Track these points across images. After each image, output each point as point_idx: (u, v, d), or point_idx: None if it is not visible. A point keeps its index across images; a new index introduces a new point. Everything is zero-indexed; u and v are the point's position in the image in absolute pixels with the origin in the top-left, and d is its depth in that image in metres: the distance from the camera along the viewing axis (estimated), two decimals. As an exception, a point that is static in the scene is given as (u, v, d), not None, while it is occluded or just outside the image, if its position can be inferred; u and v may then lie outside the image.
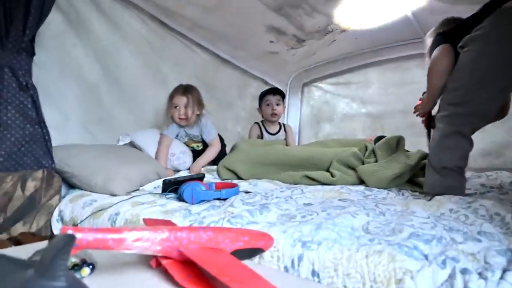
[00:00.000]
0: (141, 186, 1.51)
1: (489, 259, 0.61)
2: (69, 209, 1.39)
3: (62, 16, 1.64)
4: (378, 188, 1.48)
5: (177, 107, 1.94)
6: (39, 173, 1.41)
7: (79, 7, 1.71)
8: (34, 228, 1.38)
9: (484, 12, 1.22)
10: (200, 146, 2.08)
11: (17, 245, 1.18)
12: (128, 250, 0.61)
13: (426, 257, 0.64)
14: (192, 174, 1.62)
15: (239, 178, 1.74)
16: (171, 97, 1.96)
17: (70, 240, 0.40)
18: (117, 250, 0.61)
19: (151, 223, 0.83)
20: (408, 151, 1.76)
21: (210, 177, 1.78)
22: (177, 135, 2.03)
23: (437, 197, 1.18)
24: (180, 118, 1.95)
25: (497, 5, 1.18)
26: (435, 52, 1.36)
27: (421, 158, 1.62)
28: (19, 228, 1.34)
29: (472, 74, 1.19)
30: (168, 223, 0.88)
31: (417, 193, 1.42)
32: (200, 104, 2.00)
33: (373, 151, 1.67)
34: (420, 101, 1.58)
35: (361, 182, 1.59)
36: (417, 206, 1.05)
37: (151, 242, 0.63)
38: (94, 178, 1.45)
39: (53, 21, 1.57)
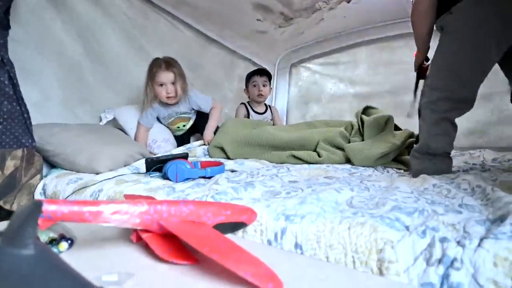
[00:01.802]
0: (125, 165, 1.49)
1: (468, 229, 0.62)
2: (53, 184, 1.37)
3: (39, -11, 1.57)
4: (364, 166, 1.49)
5: (163, 85, 1.77)
6: (19, 152, 1.37)
7: (57, -20, 1.64)
8: (15, 207, 1.35)
9: None
10: (186, 125, 2.00)
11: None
12: (105, 223, 0.60)
13: (407, 228, 0.65)
14: (179, 153, 1.57)
15: (228, 157, 1.74)
16: (154, 74, 1.76)
17: (37, 206, 0.38)
18: (94, 223, 0.59)
19: (132, 198, 0.82)
20: (399, 128, 1.77)
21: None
22: (158, 118, 1.92)
23: (421, 175, 1.19)
24: (168, 97, 1.79)
25: None
26: None
27: (408, 137, 1.63)
28: None
29: (453, 56, 1.17)
30: (149, 199, 0.87)
31: (402, 171, 1.44)
32: (184, 77, 1.84)
33: (359, 129, 1.67)
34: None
35: (348, 161, 1.60)
36: (402, 182, 1.06)
37: (129, 215, 0.61)
38: (78, 157, 1.42)
39: (30, -6, 1.50)
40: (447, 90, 1.18)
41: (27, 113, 1.44)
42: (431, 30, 1.31)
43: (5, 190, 1.32)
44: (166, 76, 1.76)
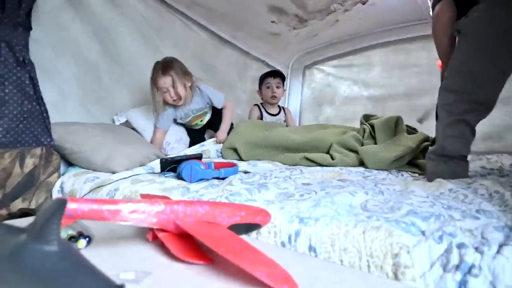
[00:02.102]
0: (140, 166, 1.51)
1: (486, 235, 0.61)
2: (70, 182, 1.40)
3: (59, -9, 1.61)
4: (378, 169, 1.48)
5: (165, 91, 1.78)
6: (38, 150, 1.40)
7: (77, -18, 1.68)
8: (33, 205, 1.39)
9: None
10: (203, 120, 1.99)
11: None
12: (123, 221, 0.61)
13: (423, 233, 0.64)
14: (193, 154, 1.57)
15: (240, 158, 1.74)
16: (154, 81, 1.77)
17: (61, 204, 0.39)
18: (113, 221, 0.61)
19: (149, 198, 0.83)
20: (414, 130, 1.74)
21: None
22: (175, 120, 1.94)
23: (437, 179, 1.17)
24: (174, 100, 1.80)
25: None
26: (436, 8, 1.30)
27: (423, 140, 1.61)
28: (18, 205, 1.34)
29: (469, 58, 1.15)
30: (165, 199, 0.88)
31: (416, 175, 1.42)
32: (187, 75, 1.83)
33: (371, 133, 1.66)
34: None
35: (362, 164, 1.59)
36: (417, 186, 1.05)
37: (147, 214, 0.62)
38: (95, 155, 1.45)
39: (51, -3, 1.54)
40: (463, 92, 1.16)
41: (46, 112, 1.47)
42: (453, 41, 1.29)
43: (24, 188, 1.36)
44: (164, 82, 1.76)
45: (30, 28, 1.41)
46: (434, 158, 1.23)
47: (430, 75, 2.39)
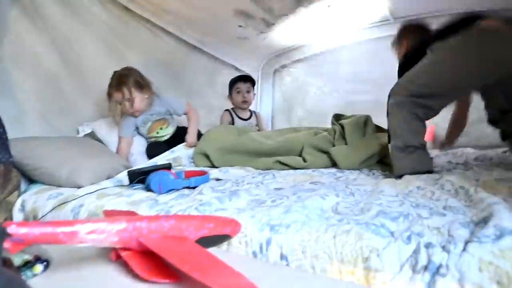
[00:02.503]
0: (108, 178, 1.45)
1: (452, 232, 0.61)
2: (32, 200, 1.32)
3: (14, 2, 1.53)
4: (350, 169, 1.49)
5: (121, 103, 1.76)
6: (-6, 169, 1.32)
7: (31, -10, 1.60)
8: (-8, 227, 1.30)
9: (458, 25, 1.33)
10: (164, 129, 1.92)
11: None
12: (81, 243, 0.58)
13: (392, 234, 0.64)
14: (162, 164, 1.53)
15: (213, 165, 1.71)
16: (110, 95, 1.76)
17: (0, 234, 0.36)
18: (70, 244, 0.57)
19: (112, 215, 0.79)
20: (382, 129, 1.78)
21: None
22: (137, 128, 1.89)
23: (406, 176, 1.20)
24: (131, 112, 1.79)
25: (471, 20, 1.29)
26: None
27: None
28: (-25, 228, 1.26)
29: (439, 75, 1.27)
30: (130, 214, 0.84)
31: (387, 172, 1.44)
32: (144, 87, 1.79)
33: (341, 134, 1.68)
34: None
35: (334, 164, 1.60)
36: (386, 185, 1.06)
37: (107, 233, 0.59)
38: (59, 170, 1.38)
39: (2, 6, 1.46)
40: (417, 96, 1.27)
41: (3, 127, 1.39)
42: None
43: (-19, 209, 1.27)
44: (118, 96, 1.75)
45: (-18, 41, 1.33)
46: (397, 153, 1.29)
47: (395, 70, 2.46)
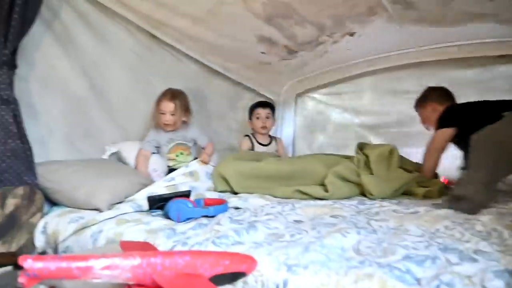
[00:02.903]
0: (126, 197, 1.45)
1: (485, 283, 0.57)
2: (54, 222, 1.34)
3: (46, 28, 1.60)
4: (382, 198, 1.48)
5: (164, 114, 1.89)
6: (20, 190, 1.35)
7: (64, 19, 1.67)
8: (14, 248, 1.32)
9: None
10: (185, 155, 1.98)
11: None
12: (95, 279, 0.57)
13: (418, 281, 0.60)
14: (181, 191, 1.47)
15: (232, 189, 1.70)
16: (158, 102, 1.91)
17: (13, 277, 0.35)
18: (84, 279, 0.56)
19: (128, 246, 0.78)
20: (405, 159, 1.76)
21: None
22: (158, 147, 1.96)
23: (433, 213, 1.14)
24: (165, 124, 1.91)
25: None
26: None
27: (417, 170, 1.63)
28: (-2, 248, 1.28)
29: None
30: (146, 246, 0.83)
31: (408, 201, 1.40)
32: (187, 110, 1.97)
33: (366, 163, 1.66)
34: None
35: (357, 194, 1.59)
36: (411, 222, 1.01)
37: (121, 269, 0.58)
38: (77, 192, 1.40)
39: (37, 33, 1.53)
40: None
41: (30, 150, 1.43)
42: None
43: (4, 230, 1.30)
44: (167, 106, 1.89)
45: (15, 67, 1.39)
46: (483, 189, 1.20)
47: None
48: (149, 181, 1.67)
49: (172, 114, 1.89)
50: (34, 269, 0.51)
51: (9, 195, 1.33)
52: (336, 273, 0.65)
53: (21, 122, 1.41)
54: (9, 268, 0.55)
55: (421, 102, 2.00)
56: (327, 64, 2.63)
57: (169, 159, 1.97)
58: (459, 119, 1.68)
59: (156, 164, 1.91)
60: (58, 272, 0.53)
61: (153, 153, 1.95)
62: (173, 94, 1.92)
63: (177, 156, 1.97)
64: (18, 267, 0.61)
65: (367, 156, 1.72)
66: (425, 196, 1.54)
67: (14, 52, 1.38)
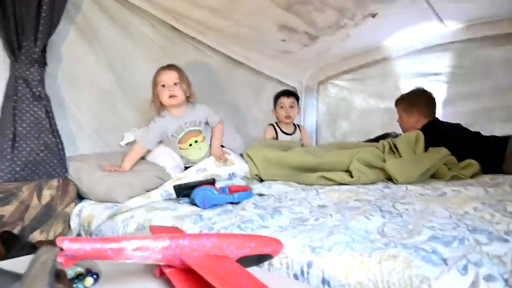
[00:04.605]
0: (146, 191, 1.49)
1: (516, 262, 0.56)
2: (90, 208, 1.40)
3: (72, 25, 1.66)
4: (407, 182, 1.45)
5: (165, 85, 1.63)
6: (55, 182, 1.42)
7: (89, 15, 1.72)
8: (51, 236, 1.40)
9: None
10: (199, 142, 1.75)
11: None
12: (127, 259, 0.60)
13: (445, 261, 0.59)
14: (206, 179, 1.45)
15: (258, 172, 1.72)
16: (156, 76, 1.66)
17: (53, 255, 0.38)
18: (116, 260, 0.59)
19: (157, 231, 0.81)
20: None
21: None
22: (161, 144, 1.78)
23: (461, 195, 1.12)
24: (170, 96, 1.62)
25: None
26: None
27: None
28: (36, 237, 1.36)
29: None
30: (174, 230, 0.86)
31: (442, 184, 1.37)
32: (189, 84, 1.70)
33: (391, 148, 1.63)
34: None
35: (383, 179, 1.57)
36: (438, 204, 0.99)
37: (151, 251, 0.60)
38: (97, 187, 1.45)
39: (64, 31, 1.59)
40: None
41: (62, 144, 1.50)
42: None
43: (42, 219, 1.37)
44: (168, 75, 1.64)
45: (46, 64, 1.45)
46: None
47: (450, 83, 2.33)
48: (166, 175, 1.66)
49: (176, 84, 1.63)
50: (71, 249, 0.54)
51: (45, 187, 1.40)
52: (360, 254, 0.65)
53: (53, 117, 1.47)
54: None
55: (407, 109, 2.06)
56: (349, 49, 2.58)
57: (181, 149, 1.76)
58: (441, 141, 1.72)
59: (166, 159, 1.77)
60: (93, 253, 0.56)
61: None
62: (171, 64, 1.68)
63: (190, 145, 1.75)
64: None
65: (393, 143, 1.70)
66: (454, 178, 1.51)
67: (43, 50, 1.44)
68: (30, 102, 1.40)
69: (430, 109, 2.01)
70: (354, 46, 2.54)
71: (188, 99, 1.72)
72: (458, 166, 1.61)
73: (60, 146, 1.48)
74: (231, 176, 1.69)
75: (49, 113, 1.45)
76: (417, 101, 2.04)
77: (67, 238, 0.55)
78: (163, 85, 1.63)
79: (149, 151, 1.78)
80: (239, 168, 1.73)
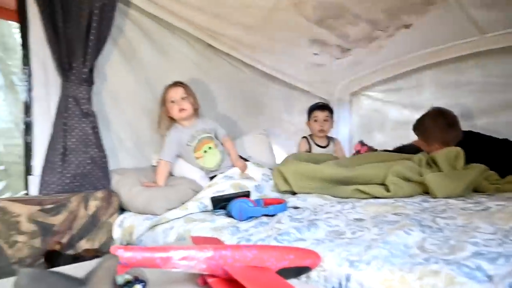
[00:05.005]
0: (182, 203, 1.53)
1: None
2: (131, 218, 1.48)
3: (115, 46, 1.77)
4: (447, 197, 1.41)
5: (174, 101, 1.75)
6: (100, 193, 1.51)
7: (130, 37, 1.83)
8: (96, 245, 1.48)
9: None
10: (212, 147, 1.82)
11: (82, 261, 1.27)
12: (174, 268, 0.63)
13: (490, 278, 0.58)
14: (242, 192, 1.49)
15: (291, 189, 1.72)
16: (164, 94, 1.78)
17: (114, 262, 0.42)
18: (164, 269, 0.63)
19: (199, 241, 0.85)
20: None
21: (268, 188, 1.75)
22: (179, 157, 1.83)
23: (506, 209, 1.07)
24: (181, 109, 1.74)
25: None
26: None
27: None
28: (83, 245, 1.44)
29: None
30: (215, 241, 0.90)
31: (484, 199, 1.31)
32: (196, 98, 1.83)
33: (428, 162, 1.60)
34: None
35: (419, 193, 1.53)
36: (482, 219, 0.96)
37: (196, 260, 0.64)
38: (136, 200, 1.52)
39: (108, 51, 1.70)
40: None
41: (106, 158, 1.59)
42: None
43: (88, 229, 1.46)
44: (175, 91, 1.76)
45: (93, 83, 1.56)
46: None
47: (486, 93, 2.26)
48: (198, 186, 1.71)
49: (183, 98, 1.75)
50: (125, 257, 0.58)
51: (91, 198, 1.48)
52: (400, 269, 0.65)
53: (99, 132, 1.57)
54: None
55: (426, 140, 1.85)
56: (383, 60, 2.56)
57: (197, 158, 1.80)
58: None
59: (192, 172, 1.82)
60: (143, 261, 0.61)
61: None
62: (176, 81, 1.81)
63: (205, 151, 1.80)
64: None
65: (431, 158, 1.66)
66: (498, 191, 1.46)
67: (91, 70, 1.54)
68: (79, 118, 1.50)
69: (449, 135, 1.76)
70: (387, 57, 2.52)
71: (196, 111, 1.84)
72: (501, 181, 1.55)
73: (104, 160, 1.57)
74: (258, 188, 1.71)
75: (95, 129, 1.54)
76: (434, 126, 1.82)
77: (121, 246, 0.59)
78: (172, 101, 1.76)
79: (173, 167, 1.85)
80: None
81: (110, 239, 1.51)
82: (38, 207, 1.34)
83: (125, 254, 0.59)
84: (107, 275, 0.41)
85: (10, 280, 0.56)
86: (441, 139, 1.75)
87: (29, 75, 1.46)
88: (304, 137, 2.33)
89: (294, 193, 1.72)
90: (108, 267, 0.41)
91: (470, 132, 1.91)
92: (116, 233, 1.50)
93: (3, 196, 1.57)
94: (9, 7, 1.50)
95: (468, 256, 0.67)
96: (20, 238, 1.29)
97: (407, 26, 2.08)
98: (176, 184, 1.69)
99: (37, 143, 1.47)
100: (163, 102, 1.80)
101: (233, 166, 1.82)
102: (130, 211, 1.56)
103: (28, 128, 1.47)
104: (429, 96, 2.58)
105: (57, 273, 0.50)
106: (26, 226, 1.31)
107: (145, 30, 1.91)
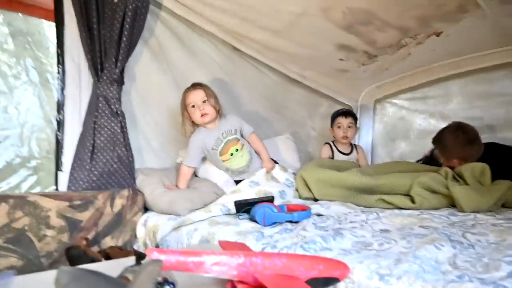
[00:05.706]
0: (205, 205, 1.55)
1: None
2: (155, 218, 1.50)
3: (145, 47, 1.81)
4: (475, 211, 1.38)
5: (195, 106, 1.69)
6: (126, 192, 1.54)
7: (160, 38, 1.87)
8: (120, 242, 1.51)
9: None
10: (239, 149, 1.78)
11: (106, 257, 1.30)
12: (205, 273, 0.64)
13: (529, 301, 0.57)
14: (266, 197, 1.49)
15: (313, 195, 1.71)
16: (184, 98, 1.72)
17: (158, 266, 0.43)
18: (196, 273, 0.64)
19: (226, 246, 0.86)
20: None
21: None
22: (207, 157, 1.82)
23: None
24: (203, 115, 1.68)
25: None
26: None
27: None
28: (108, 242, 1.47)
29: None
30: (242, 247, 0.90)
31: None
32: (217, 98, 1.76)
33: (455, 177, 1.56)
34: None
35: (445, 205, 1.50)
36: (515, 237, 0.93)
37: (227, 266, 0.64)
38: (160, 200, 1.55)
39: (139, 52, 1.74)
40: None
41: (132, 157, 1.63)
42: None
43: (113, 226, 1.49)
44: (195, 95, 1.69)
45: (123, 83, 1.59)
46: None
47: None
48: (220, 190, 1.73)
49: (204, 101, 1.69)
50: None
51: (117, 196, 1.52)
52: (433, 286, 0.64)
53: (126, 132, 1.60)
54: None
55: (444, 155, 1.83)
56: (410, 67, 2.51)
57: (224, 161, 1.78)
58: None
59: (215, 176, 1.82)
60: (177, 265, 0.62)
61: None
62: (195, 83, 1.75)
63: (231, 154, 1.77)
64: (139, 259, 0.72)
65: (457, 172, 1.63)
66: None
67: (122, 70, 1.58)
68: (108, 117, 1.54)
69: (469, 151, 1.71)
70: (415, 65, 2.47)
71: (219, 112, 1.77)
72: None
73: (131, 159, 1.60)
74: (282, 194, 1.70)
75: (123, 128, 1.58)
76: (453, 142, 1.77)
77: (156, 249, 0.61)
78: (193, 106, 1.69)
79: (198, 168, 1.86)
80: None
81: (133, 238, 1.55)
82: (67, 203, 1.38)
83: (160, 257, 0.60)
84: (149, 278, 0.42)
85: (48, 274, 0.58)
86: (460, 154, 1.72)
87: (63, 74, 1.51)
88: (327, 143, 2.31)
89: (315, 200, 1.71)
90: (151, 271, 0.42)
91: (494, 144, 1.84)
92: (140, 232, 1.53)
93: (34, 191, 1.62)
94: (47, 7, 1.56)
95: (504, 276, 0.65)
96: (49, 232, 1.34)
97: (437, 34, 2.04)
98: (199, 187, 1.71)
99: (68, 140, 1.52)
100: (184, 107, 1.73)
101: (261, 166, 1.83)
102: (153, 211, 1.59)
103: (59, 125, 1.52)
104: (456, 106, 2.51)
105: (97, 273, 0.52)
106: (55, 221, 1.35)
107: (174, 32, 1.94)
